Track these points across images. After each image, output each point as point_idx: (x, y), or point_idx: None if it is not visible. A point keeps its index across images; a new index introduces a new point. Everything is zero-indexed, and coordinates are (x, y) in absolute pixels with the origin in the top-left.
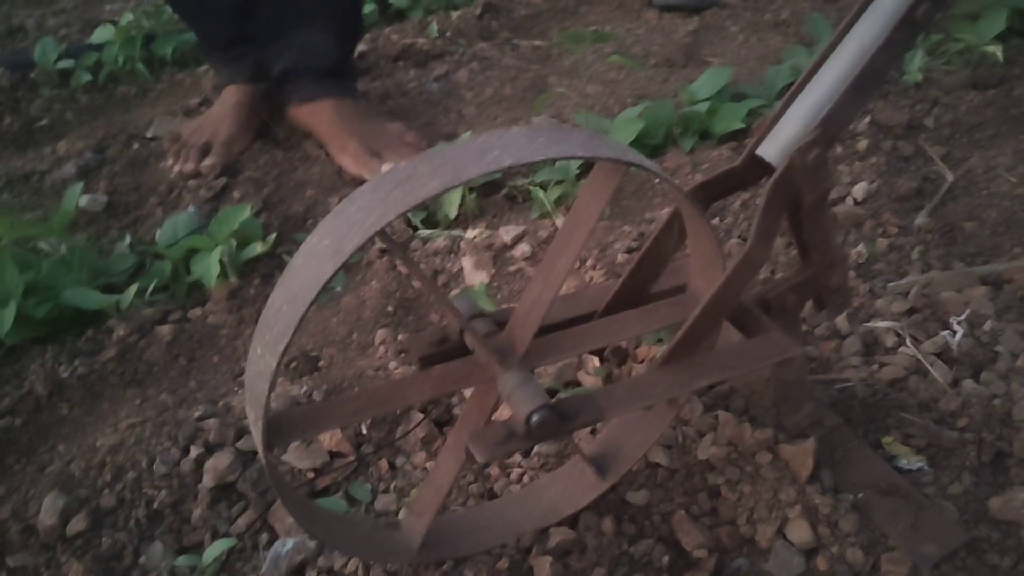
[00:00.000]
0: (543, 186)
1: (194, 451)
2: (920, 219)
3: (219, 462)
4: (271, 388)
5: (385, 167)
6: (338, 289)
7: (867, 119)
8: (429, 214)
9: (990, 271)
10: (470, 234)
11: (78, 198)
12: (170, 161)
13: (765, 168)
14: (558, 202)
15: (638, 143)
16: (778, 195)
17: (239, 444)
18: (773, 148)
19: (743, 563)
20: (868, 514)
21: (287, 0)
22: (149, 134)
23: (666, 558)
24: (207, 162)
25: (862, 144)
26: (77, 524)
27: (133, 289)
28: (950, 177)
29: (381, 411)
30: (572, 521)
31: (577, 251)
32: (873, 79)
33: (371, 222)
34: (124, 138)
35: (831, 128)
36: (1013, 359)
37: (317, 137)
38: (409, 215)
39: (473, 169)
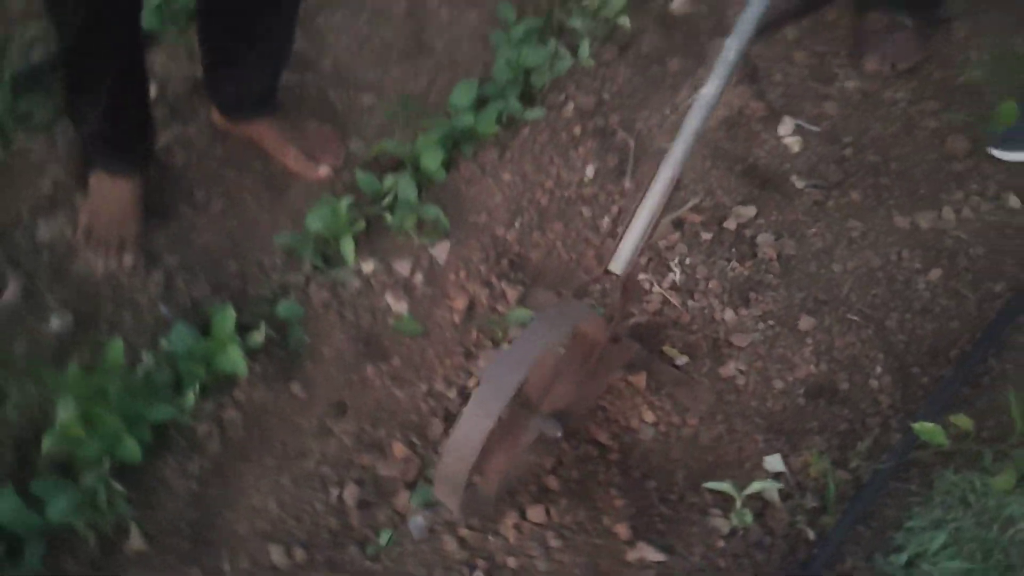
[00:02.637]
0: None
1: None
2: (627, 183)
3: None
4: (461, 490)
5: (322, 169)
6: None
7: (571, 106)
8: (327, 255)
9: (675, 217)
10: (367, 268)
11: None
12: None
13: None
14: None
15: None
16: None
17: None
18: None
19: (628, 439)
20: (675, 395)
21: (237, 36)
22: None
23: (594, 450)
24: (127, 262)
25: (576, 130)
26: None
27: None
28: (632, 143)
29: None
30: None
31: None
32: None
33: (494, 408)
34: None
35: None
36: (706, 282)
37: (263, 148)
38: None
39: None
